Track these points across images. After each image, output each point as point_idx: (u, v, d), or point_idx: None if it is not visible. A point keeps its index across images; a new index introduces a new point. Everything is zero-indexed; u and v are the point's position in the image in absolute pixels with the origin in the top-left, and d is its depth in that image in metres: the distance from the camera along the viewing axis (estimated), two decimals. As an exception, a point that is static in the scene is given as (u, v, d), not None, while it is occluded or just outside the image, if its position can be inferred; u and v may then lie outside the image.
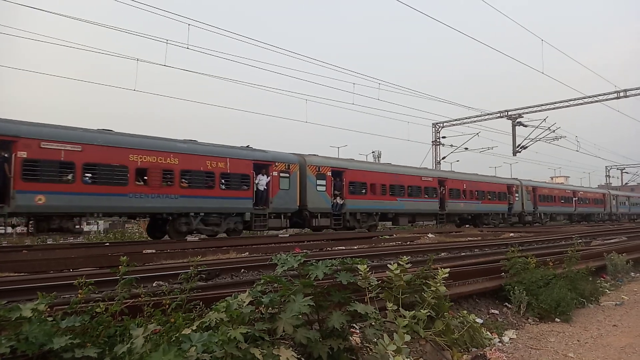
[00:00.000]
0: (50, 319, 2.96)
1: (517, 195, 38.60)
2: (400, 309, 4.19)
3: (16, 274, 9.16)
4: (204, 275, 8.32)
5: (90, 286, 3.54)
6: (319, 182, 23.14)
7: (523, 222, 39.63)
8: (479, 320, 5.54)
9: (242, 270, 9.52)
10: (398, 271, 4.55)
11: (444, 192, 31.39)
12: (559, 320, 6.22)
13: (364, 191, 25.83)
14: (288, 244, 16.15)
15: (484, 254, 12.92)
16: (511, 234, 22.93)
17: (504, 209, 37.13)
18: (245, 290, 3.43)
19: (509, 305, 6.59)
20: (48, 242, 19.84)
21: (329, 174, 23.73)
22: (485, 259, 9.76)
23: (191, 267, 4.43)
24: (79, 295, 3.50)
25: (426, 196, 29.80)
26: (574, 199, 48.11)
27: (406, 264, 4.63)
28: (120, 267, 3.78)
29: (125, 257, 3.87)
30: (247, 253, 13.34)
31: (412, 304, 4.62)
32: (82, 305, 3.43)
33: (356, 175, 25.38)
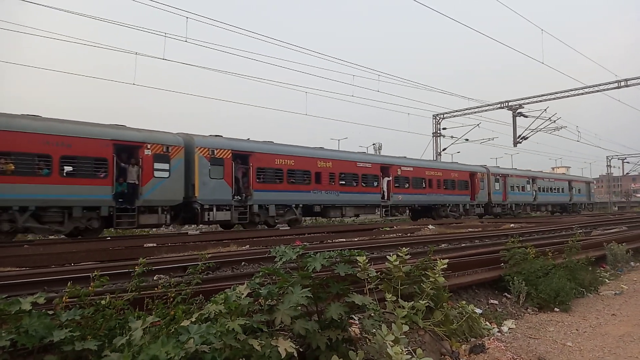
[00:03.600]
0: (50, 312, 2.98)
1: (164, 168, 18.02)
2: (399, 299, 4.21)
3: (18, 269, 9.19)
4: (210, 272, 8.36)
5: (102, 279, 3.62)
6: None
7: (198, 221, 19.66)
8: (478, 311, 5.57)
9: (243, 263, 9.56)
10: (397, 262, 4.57)
11: None
12: (558, 310, 6.25)
13: None
14: (289, 237, 16.20)
15: (484, 244, 12.95)
16: (512, 225, 22.94)
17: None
18: (245, 283, 3.45)
19: (509, 296, 6.62)
20: (50, 237, 19.87)
21: None
22: (484, 250, 9.78)
23: (200, 262, 4.48)
24: (90, 287, 3.57)
25: None
26: (384, 180, 27.29)
27: (405, 255, 4.65)
28: (126, 263, 3.82)
29: (144, 259, 3.95)
30: (248, 246, 13.38)
31: (411, 295, 4.64)
32: (92, 298, 3.48)
33: None
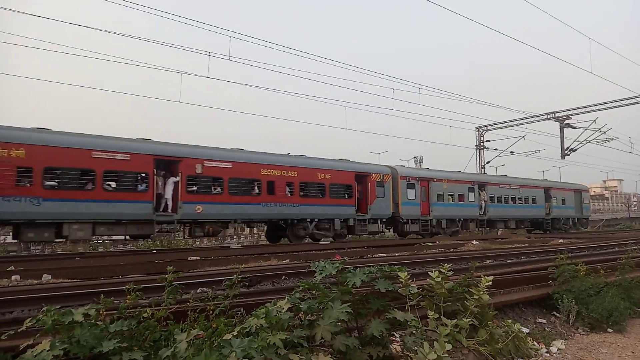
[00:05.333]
0: (100, 323, 3.10)
1: None
2: (442, 317, 4.13)
3: (70, 280, 9.60)
4: (246, 283, 8.45)
5: (137, 292, 3.70)
6: None
7: None
8: (525, 330, 5.38)
9: (283, 277, 9.60)
10: (439, 279, 4.48)
11: None
12: (611, 330, 5.94)
13: None
14: (329, 251, 16.16)
15: (530, 261, 12.49)
16: (560, 240, 22.12)
17: None
18: (285, 297, 3.48)
19: (557, 315, 6.36)
20: (99, 250, 20.70)
21: None
22: (531, 267, 9.44)
23: (235, 275, 4.52)
24: (127, 300, 3.67)
25: None
26: (168, 181, 17.57)
27: (448, 271, 4.56)
28: (167, 275, 3.91)
29: (171, 267, 4.01)
30: (288, 260, 13.43)
31: (454, 313, 4.53)
32: (131, 310, 3.58)
33: None
